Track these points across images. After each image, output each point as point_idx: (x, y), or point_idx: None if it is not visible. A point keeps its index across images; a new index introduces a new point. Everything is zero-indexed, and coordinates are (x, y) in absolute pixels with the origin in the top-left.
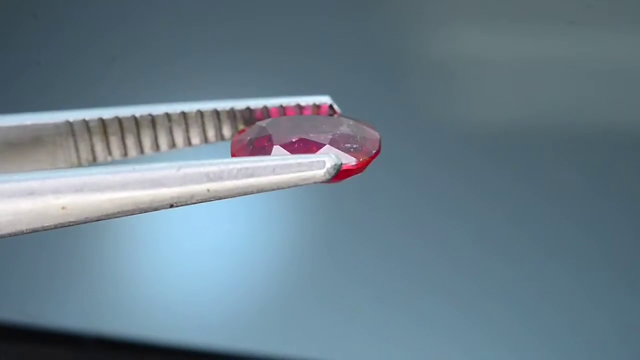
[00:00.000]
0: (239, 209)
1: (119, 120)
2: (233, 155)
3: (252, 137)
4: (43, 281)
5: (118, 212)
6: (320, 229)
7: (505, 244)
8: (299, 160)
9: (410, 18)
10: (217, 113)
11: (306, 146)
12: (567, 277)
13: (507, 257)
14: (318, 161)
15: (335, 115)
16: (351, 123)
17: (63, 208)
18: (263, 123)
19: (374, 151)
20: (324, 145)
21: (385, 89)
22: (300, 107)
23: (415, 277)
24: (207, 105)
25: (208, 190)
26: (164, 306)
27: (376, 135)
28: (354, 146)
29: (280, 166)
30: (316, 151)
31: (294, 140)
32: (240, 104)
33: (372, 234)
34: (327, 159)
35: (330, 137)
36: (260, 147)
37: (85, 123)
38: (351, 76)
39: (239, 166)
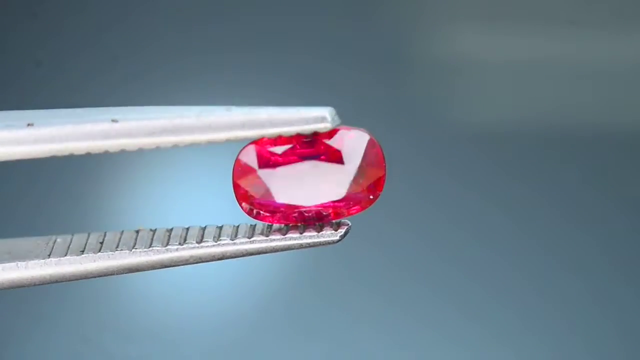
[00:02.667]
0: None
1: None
2: (235, 186)
3: (256, 199)
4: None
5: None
6: None
7: (506, 243)
8: (313, 240)
9: (410, 19)
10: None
11: (317, 216)
12: (568, 276)
13: (508, 256)
14: (331, 236)
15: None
16: (354, 169)
17: None
18: (264, 175)
19: (378, 192)
20: (330, 216)
21: (385, 89)
22: (299, 135)
23: (417, 277)
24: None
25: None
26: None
27: (381, 170)
28: (358, 199)
29: (297, 244)
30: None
31: (302, 212)
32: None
33: (372, 235)
34: (339, 233)
35: (340, 204)
36: (266, 215)
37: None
38: (352, 76)
39: (254, 246)
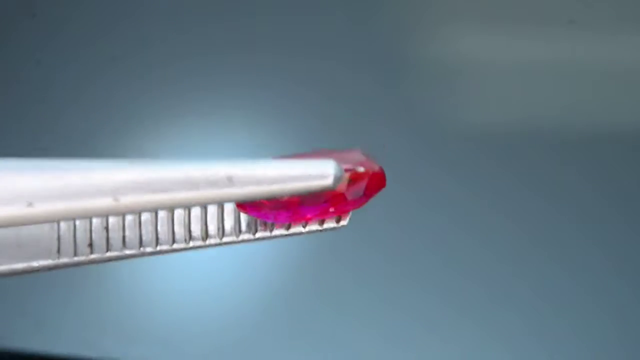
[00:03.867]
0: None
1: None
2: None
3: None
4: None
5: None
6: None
7: (506, 244)
8: (316, 228)
9: (410, 20)
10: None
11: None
12: (568, 278)
13: (509, 258)
14: (334, 225)
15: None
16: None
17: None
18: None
19: (373, 195)
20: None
21: (385, 90)
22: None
23: (417, 278)
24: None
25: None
26: (163, 327)
27: (381, 184)
28: (353, 203)
29: (300, 233)
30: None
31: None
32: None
33: (372, 236)
34: (342, 224)
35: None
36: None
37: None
38: (352, 77)
39: (258, 236)
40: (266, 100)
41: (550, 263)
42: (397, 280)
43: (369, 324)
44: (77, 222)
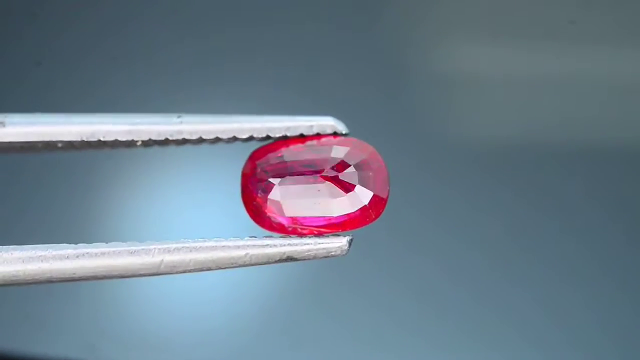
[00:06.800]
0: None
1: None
2: (244, 192)
3: (263, 196)
4: (38, 303)
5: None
6: None
7: (506, 256)
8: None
9: (410, 33)
10: (218, 140)
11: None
12: (567, 289)
13: (508, 268)
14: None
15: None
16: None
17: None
18: (270, 166)
19: (377, 215)
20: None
21: (385, 104)
22: (303, 137)
23: (417, 292)
24: (209, 134)
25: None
26: (162, 328)
27: (384, 194)
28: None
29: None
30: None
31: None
32: (243, 132)
33: (369, 244)
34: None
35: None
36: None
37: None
38: (351, 91)
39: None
40: (265, 108)
41: (549, 274)
42: (397, 293)
43: (365, 331)
44: None
